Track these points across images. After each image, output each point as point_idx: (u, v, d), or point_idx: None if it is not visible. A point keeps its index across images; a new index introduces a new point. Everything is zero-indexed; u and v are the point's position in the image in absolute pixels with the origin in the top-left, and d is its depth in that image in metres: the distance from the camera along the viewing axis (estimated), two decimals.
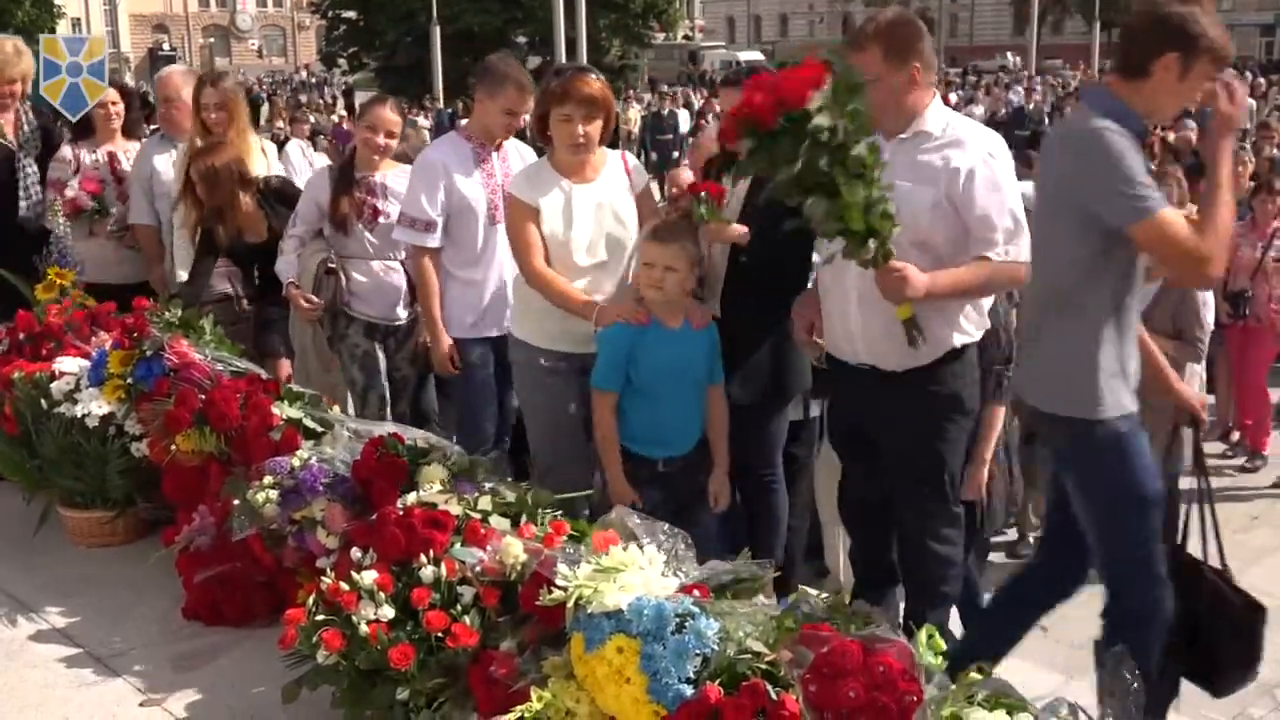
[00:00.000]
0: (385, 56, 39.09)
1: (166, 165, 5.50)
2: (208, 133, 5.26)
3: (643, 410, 3.78)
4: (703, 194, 3.80)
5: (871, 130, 3.19)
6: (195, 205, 5.10)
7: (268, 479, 3.44)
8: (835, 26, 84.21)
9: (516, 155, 4.70)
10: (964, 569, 4.27)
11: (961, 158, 3.45)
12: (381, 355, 4.96)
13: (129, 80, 23.30)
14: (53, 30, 37.82)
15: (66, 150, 5.71)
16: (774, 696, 2.23)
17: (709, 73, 44.77)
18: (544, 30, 31.40)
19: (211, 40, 78.03)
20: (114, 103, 5.80)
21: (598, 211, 3.99)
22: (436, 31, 32.93)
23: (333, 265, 4.88)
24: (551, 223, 3.94)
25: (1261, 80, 29.71)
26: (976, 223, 3.45)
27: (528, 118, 4.54)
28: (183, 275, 5.33)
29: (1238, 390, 7.81)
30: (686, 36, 61.78)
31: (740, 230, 3.88)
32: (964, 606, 4.16)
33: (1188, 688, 3.85)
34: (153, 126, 6.15)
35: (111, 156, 5.71)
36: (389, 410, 4.95)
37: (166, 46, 61.95)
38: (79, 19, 61.23)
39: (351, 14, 40.95)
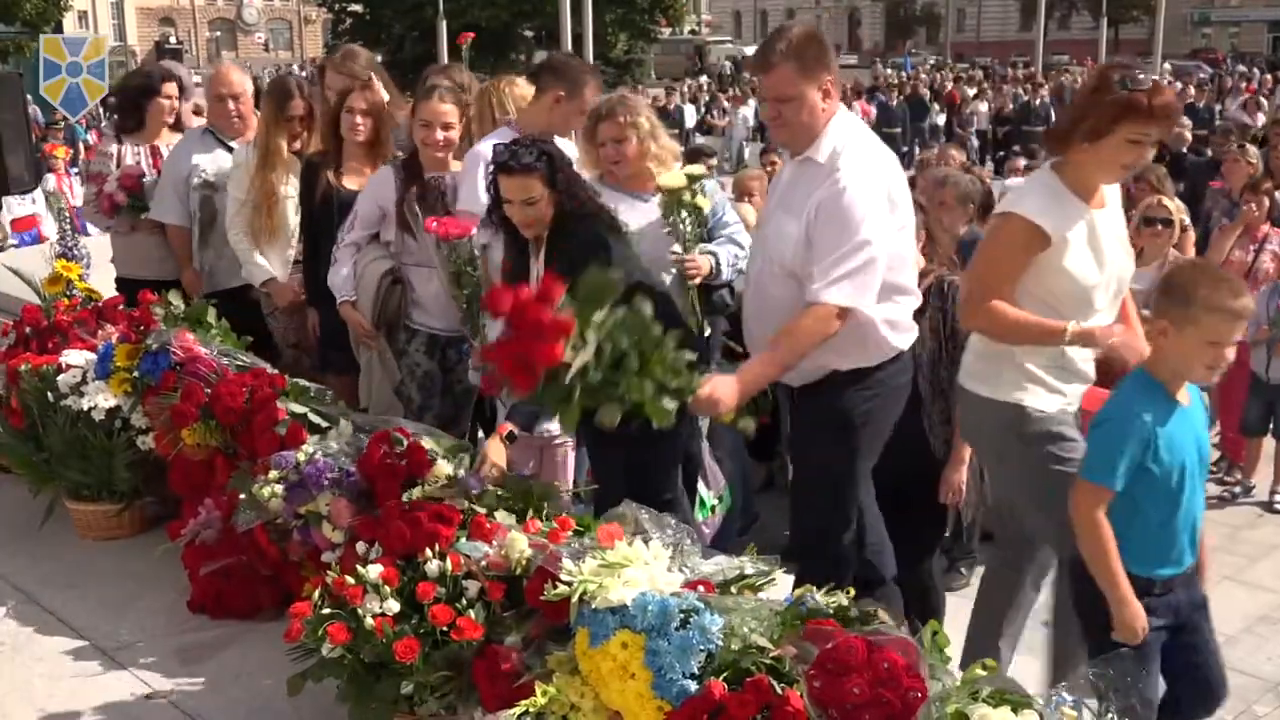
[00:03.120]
0: (391, 50, 39.08)
1: (210, 164, 5.30)
2: (279, 134, 5.07)
3: (1148, 517, 2.96)
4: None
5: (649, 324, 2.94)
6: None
7: (273, 473, 3.44)
8: (840, 21, 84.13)
9: (569, 152, 4.56)
10: (929, 572, 4.38)
11: (824, 189, 3.35)
12: (439, 370, 4.73)
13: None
14: (59, 22, 37.80)
15: (111, 145, 5.65)
16: (778, 692, 2.23)
17: (715, 67, 44.80)
18: (550, 24, 31.42)
19: (218, 34, 78.08)
20: (174, 96, 5.61)
21: (1117, 245, 3.34)
22: (443, 26, 32.87)
23: (399, 275, 4.64)
24: (1079, 261, 3.26)
25: (1268, 76, 29.66)
26: (819, 258, 3.33)
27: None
28: (263, 271, 5.12)
29: (1222, 403, 7.18)
30: (693, 31, 61.73)
31: None
32: (920, 603, 4.19)
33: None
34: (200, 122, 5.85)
35: (154, 151, 5.58)
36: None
37: (173, 39, 61.90)
38: (85, 12, 61.27)
39: (358, 8, 41.03)
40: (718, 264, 4.22)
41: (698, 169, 4.25)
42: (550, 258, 3.76)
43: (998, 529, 4.10)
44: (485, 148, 4.45)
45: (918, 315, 4.25)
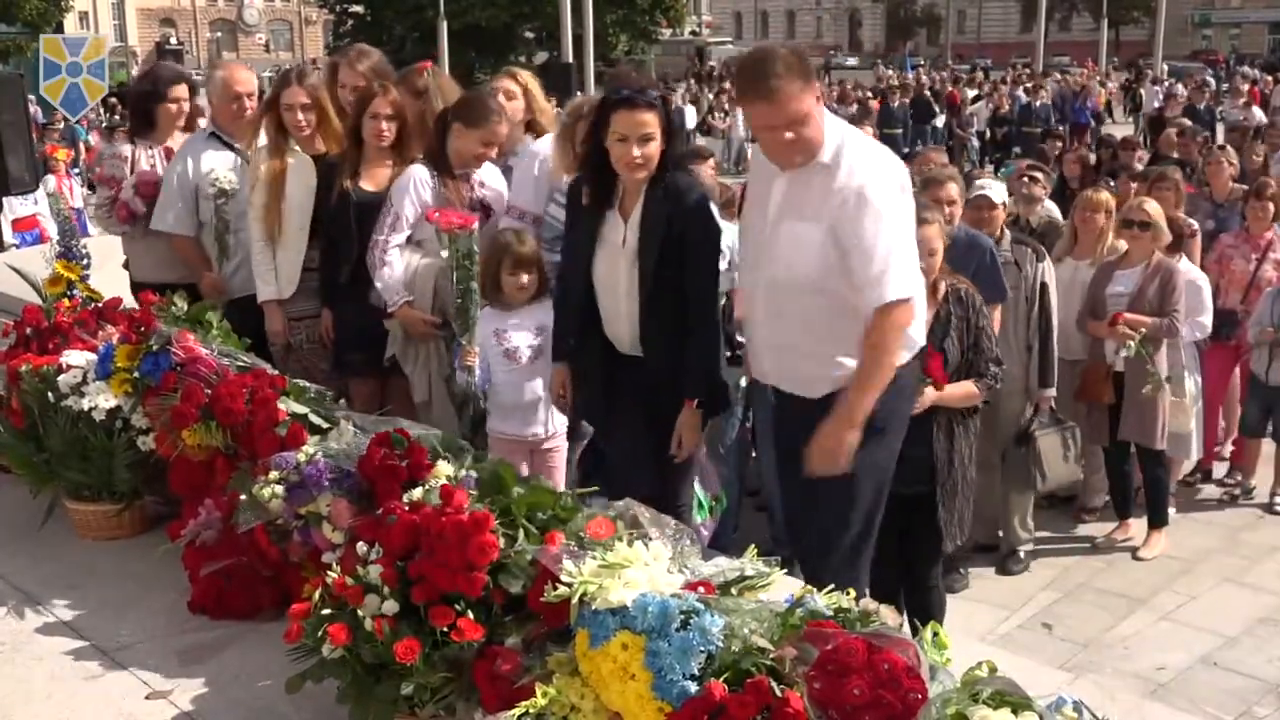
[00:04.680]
0: (392, 51, 38.96)
1: (223, 169, 5.23)
2: (283, 133, 5.01)
3: None
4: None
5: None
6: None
7: (273, 474, 3.44)
8: (841, 21, 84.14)
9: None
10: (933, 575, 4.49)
11: (844, 190, 3.33)
12: None
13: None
14: (60, 23, 37.85)
15: (125, 147, 5.56)
16: (778, 694, 2.23)
17: (716, 68, 44.80)
18: (551, 25, 31.47)
19: (218, 35, 78.10)
20: (184, 99, 5.53)
21: None
22: (444, 27, 32.91)
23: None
24: None
25: (1269, 78, 29.67)
26: (859, 259, 3.32)
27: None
28: (266, 290, 5.04)
29: (1224, 411, 7.25)
30: (693, 32, 61.84)
31: None
32: (920, 604, 4.36)
33: (1199, 687, 3.85)
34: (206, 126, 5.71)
35: (168, 153, 5.49)
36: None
37: (174, 40, 61.91)
38: (86, 13, 61.32)
39: (359, 8, 41.10)
40: None
41: None
42: (647, 206, 3.70)
43: None
44: (541, 146, 4.43)
45: (944, 325, 4.26)
